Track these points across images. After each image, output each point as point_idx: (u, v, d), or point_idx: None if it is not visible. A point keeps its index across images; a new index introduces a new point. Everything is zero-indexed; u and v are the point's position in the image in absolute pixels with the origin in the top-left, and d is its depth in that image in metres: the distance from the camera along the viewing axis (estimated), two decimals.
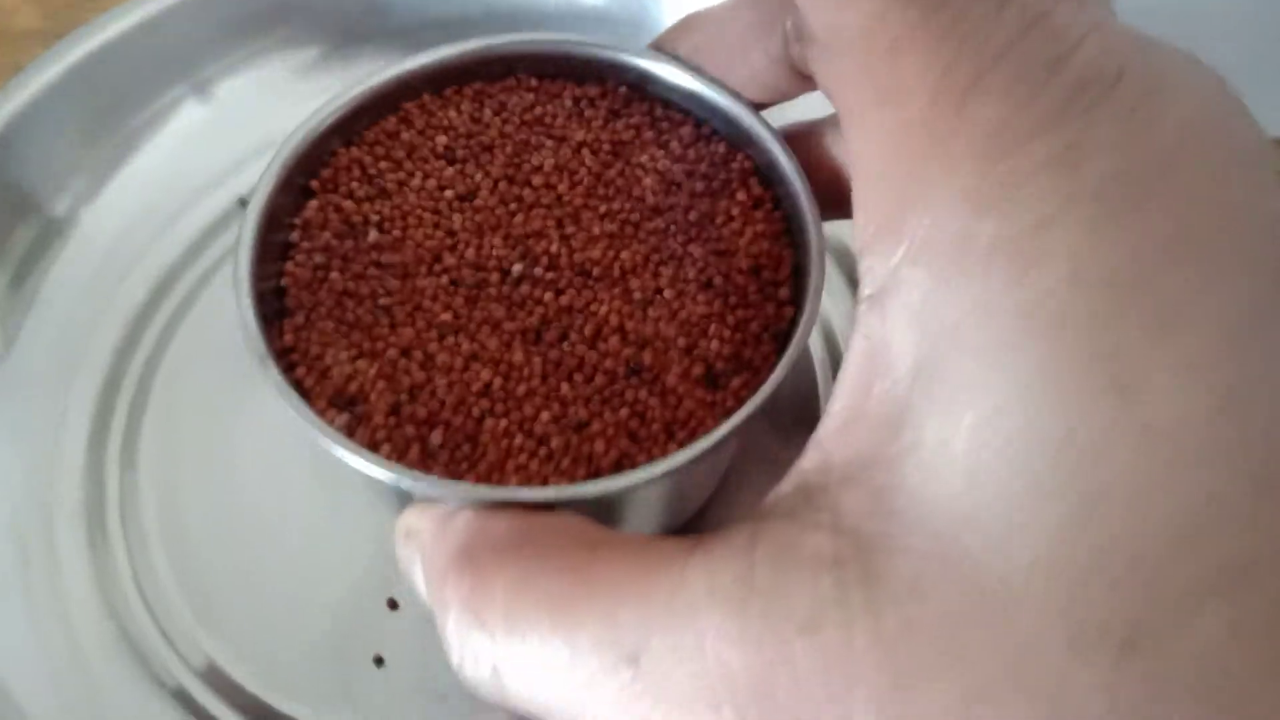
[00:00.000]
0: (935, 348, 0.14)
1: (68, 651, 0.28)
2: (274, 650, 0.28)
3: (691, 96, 0.26)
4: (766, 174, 0.26)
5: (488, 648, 0.16)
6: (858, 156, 0.16)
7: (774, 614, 0.13)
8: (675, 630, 0.14)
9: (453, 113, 0.26)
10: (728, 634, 0.13)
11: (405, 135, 0.26)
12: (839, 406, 0.15)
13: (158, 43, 0.35)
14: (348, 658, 0.27)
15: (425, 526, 0.19)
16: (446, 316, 0.23)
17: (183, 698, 0.27)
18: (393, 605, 0.28)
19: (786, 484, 0.15)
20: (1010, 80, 0.14)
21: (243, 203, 0.35)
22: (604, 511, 0.23)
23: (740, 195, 0.25)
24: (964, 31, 0.14)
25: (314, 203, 0.24)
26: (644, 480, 0.20)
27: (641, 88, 0.27)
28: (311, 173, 0.25)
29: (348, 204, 0.24)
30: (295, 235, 0.24)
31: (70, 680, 0.27)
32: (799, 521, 0.14)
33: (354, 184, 0.25)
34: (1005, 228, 0.13)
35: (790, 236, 0.25)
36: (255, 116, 0.36)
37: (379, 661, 0.27)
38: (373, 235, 0.24)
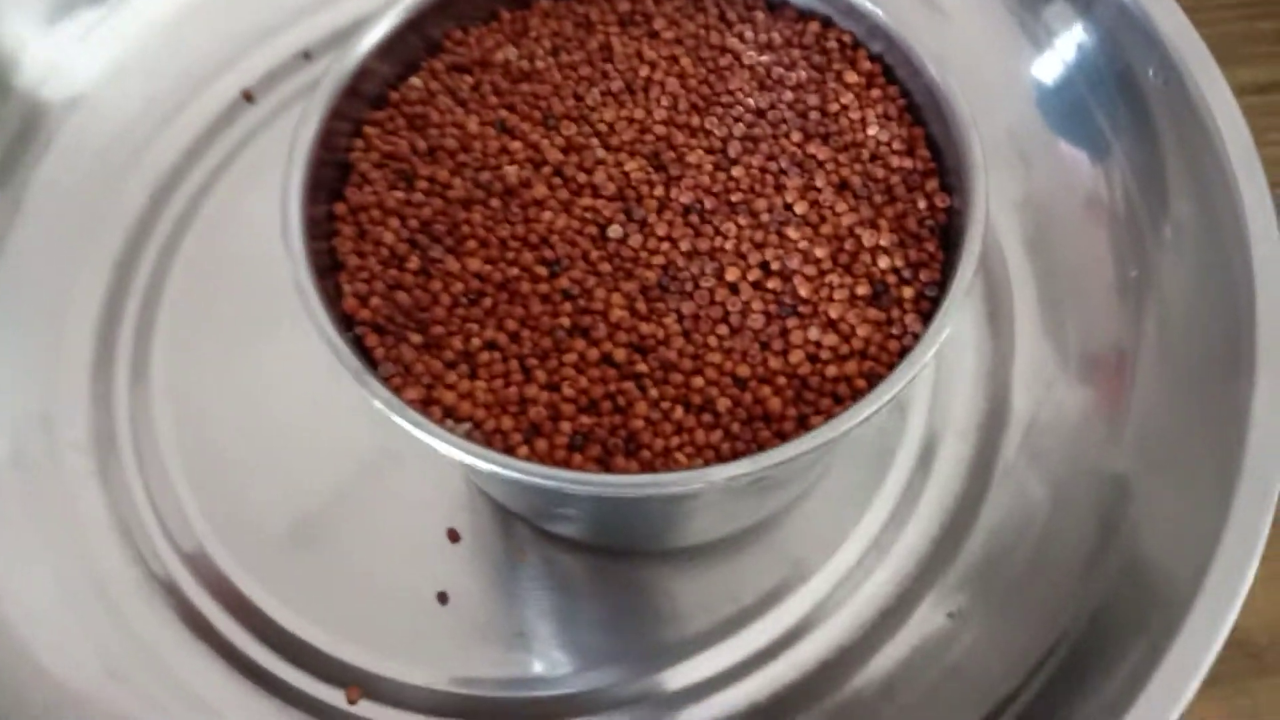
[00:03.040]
0: None
1: (89, 590, 0.25)
2: (322, 589, 0.25)
3: None
4: (868, 41, 0.22)
5: None
6: None
7: None
8: None
9: (475, 73, 0.23)
10: None
11: (436, 114, 0.22)
12: None
13: None
14: (407, 595, 0.25)
15: None
16: (546, 312, 0.20)
17: (215, 639, 0.24)
18: (453, 537, 0.25)
19: None
20: None
21: (248, 96, 0.31)
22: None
23: (849, 76, 0.22)
24: None
25: (346, 229, 0.21)
26: (850, 428, 0.18)
27: None
28: (338, 160, 0.21)
29: (388, 235, 0.21)
30: (342, 253, 0.21)
31: (94, 621, 0.25)
32: None
33: (391, 196, 0.21)
34: None
35: (915, 111, 0.22)
36: (247, 5, 0.31)
37: (442, 598, 0.25)
38: (436, 251, 0.20)
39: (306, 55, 0.32)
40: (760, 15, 0.23)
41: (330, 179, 0.21)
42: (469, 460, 0.18)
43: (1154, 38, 0.25)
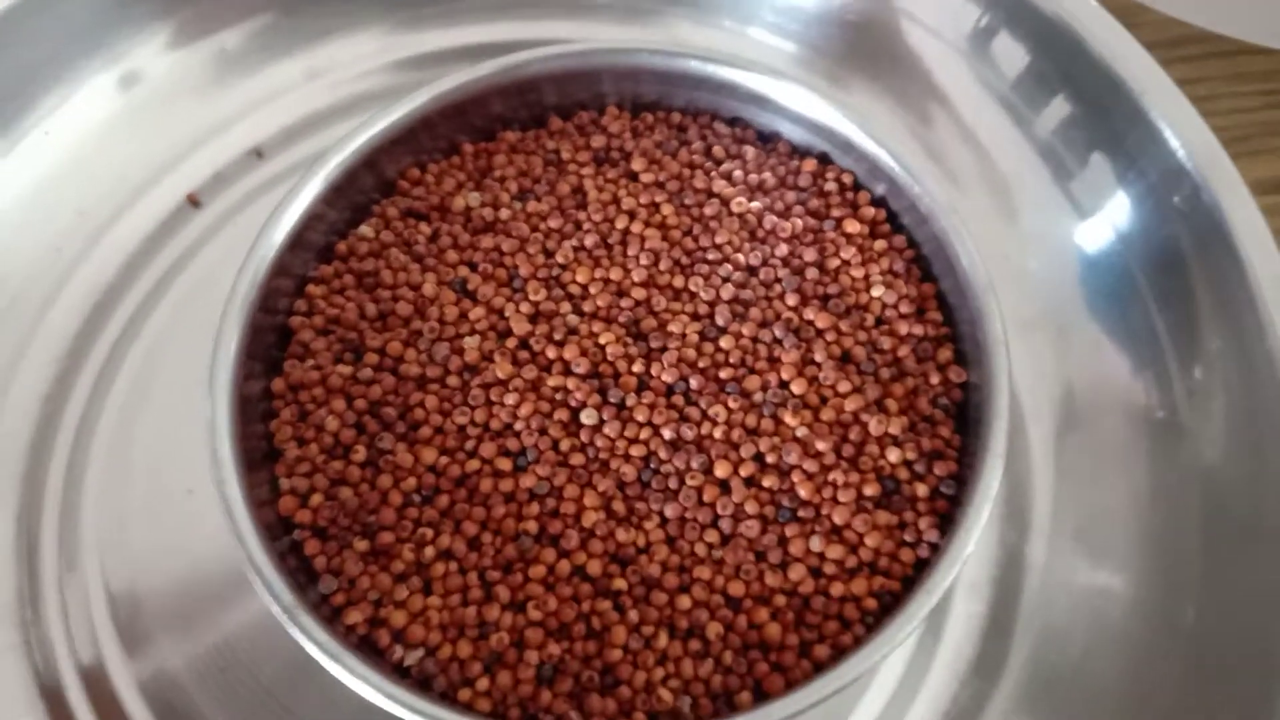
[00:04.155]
0: None
1: None
2: None
3: (749, 96, 0.20)
4: (870, 183, 0.20)
5: None
6: None
7: None
8: None
9: (432, 219, 0.21)
10: None
11: (389, 272, 0.20)
12: None
13: (60, 14, 0.28)
14: None
15: None
16: (510, 514, 0.18)
17: None
18: None
19: None
20: None
21: (193, 201, 0.28)
22: None
23: (849, 224, 0.20)
24: None
25: (285, 412, 0.19)
26: (863, 672, 0.16)
27: (667, 102, 0.21)
28: (277, 325, 0.19)
29: (331, 420, 0.18)
30: (279, 440, 0.19)
31: None
32: None
33: (336, 372, 0.19)
34: None
35: (922, 261, 0.20)
36: (191, 100, 0.29)
37: None
38: (386, 440, 0.18)
39: (258, 153, 0.29)
40: (750, 151, 0.20)
41: (267, 347, 0.19)
42: None
43: (1179, 161, 0.23)
